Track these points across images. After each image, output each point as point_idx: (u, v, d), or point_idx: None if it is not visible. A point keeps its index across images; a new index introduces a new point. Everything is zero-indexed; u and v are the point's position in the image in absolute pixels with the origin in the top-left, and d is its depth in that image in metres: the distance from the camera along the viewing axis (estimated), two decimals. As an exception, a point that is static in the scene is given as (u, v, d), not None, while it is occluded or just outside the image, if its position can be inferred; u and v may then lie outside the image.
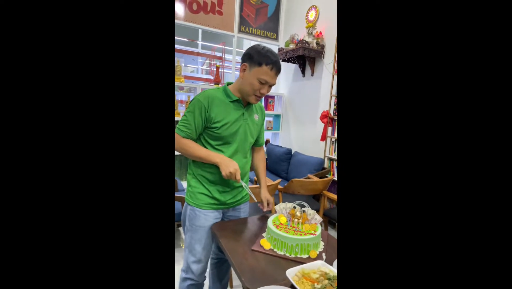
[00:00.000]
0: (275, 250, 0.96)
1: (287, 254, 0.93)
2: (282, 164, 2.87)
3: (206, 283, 1.46)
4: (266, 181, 1.81)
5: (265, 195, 1.24)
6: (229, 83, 1.13)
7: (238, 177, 1.03)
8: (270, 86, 1.06)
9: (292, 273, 0.77)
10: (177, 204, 1.92)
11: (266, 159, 3.31)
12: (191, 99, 1.96)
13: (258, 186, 1.31)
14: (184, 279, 1.14)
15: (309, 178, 2.16)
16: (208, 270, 1.38)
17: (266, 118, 3.69)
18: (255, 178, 1.21)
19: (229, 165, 1.02)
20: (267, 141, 3.64)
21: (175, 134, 1.07)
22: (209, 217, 1.11)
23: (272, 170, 3.03)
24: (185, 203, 1.16)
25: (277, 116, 3.58)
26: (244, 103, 1.11)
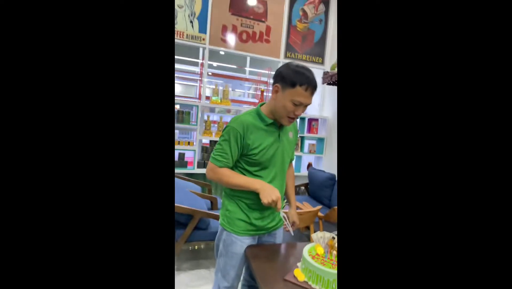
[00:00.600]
0: (309, 282, 0.88)
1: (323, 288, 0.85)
2: (325, 190, 2.73)
3: None
4: (305, 206, 1.73)
5: (294, 214, 1.19)
6: (262, 104, 1.12)
7: (280, 205, 0.99)
8: (306, 106, 1.01)
9: None
10: (215, 222, 1.95)
11: (308, 184, 3.19)
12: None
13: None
14: None
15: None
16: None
17: (309, 142, 3.61)
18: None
19: (271, 193, 0.98)
20: (309, 165, 3.53)
21: (211, 165, 1.05)
22: (245, 244, 1.09)
23: (314, 195, 2.90)
24: (220, 227, 1.15)
25: (320, 140, 3.49)
26: (278, 124, 1.09)
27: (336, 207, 1.70)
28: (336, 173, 2.91)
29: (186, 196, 2.00)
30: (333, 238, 1.00)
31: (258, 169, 1.07)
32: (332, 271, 0.85)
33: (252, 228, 1.09)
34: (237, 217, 1.09)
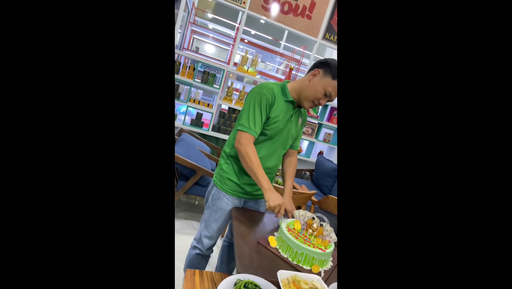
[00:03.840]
0: (280, 250, 0.96)
1: (290, 259, 0.92)
2: (327, 179, 2.76)
3: (214, 262, 1.55)
4: (302, 189, 1.78)
5: (288, 203, 1.18)
6: (287, 82, 1.15)
7: (282, 211, 1.04)
8: (331, 100, 1.07)
9: (283, 275, 0.76)
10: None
11: (313, 170, 3.21)
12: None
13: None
14: (194, 247, 1.24)
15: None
16: (219, 251, 1.46)
17: (326, 130, 3.57)
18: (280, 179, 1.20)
19: (275, 198, 1.01)
20: (321, 153, 3.53)
21: (244, 134, 1.03)
22: (230, 202, 1.17)
23: (316, 182, 2.94)
24: (212, 183, 1.23)
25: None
26: (296, 105, 1.13)
27: (330, 195, 1.74)
28: (344, 166, 2.90)
29: (194, 153, 2.11)
30: (313, 218, 1.05)
31: (264, 138, 1.11)
32: (302, 245, 0.91)
33: (240, 190, 1.16)
34: (228, 177, 1.16)
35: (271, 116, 1.07)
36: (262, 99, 1.04)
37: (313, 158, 3.36)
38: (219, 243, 1.69)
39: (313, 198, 1.79)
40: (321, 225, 1.02)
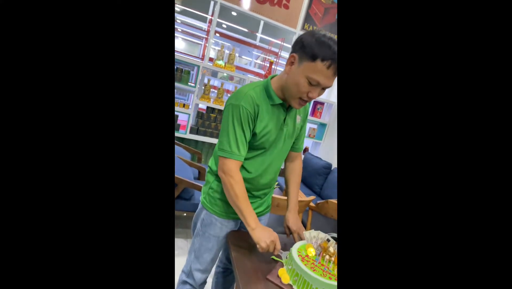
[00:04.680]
0: (294, 287, 0.78)
1: (308, 298, 0.74)
2: (318, 178, 2.63)
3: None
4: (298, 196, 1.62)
5: (293, 221, 1.01)
6: (272, 77, 0.90)
7: (278, 246, 0.85)
8: (324, 89, 0.79)
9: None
10: (199, 194, 1.83)
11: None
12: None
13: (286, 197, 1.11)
14: (183, 282, 1.02)
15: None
16: (212, 278, 1.25)
17: (310, 125, 3.45)
18: (284, 191, 1.05)
19: (265, 236, 0.83)
20: (306, 150, 3.41)
21: (227, 161, 0.83)
22: (225, 227, 0.97)
23: (305, 181, 2.81)
24: (200, 205, 1.01)
25: (322, 125, 3.33)
26: (287, 105, 0.90)
27: (330, 200, 1.60)
28: (332, 162, 2.80)
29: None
30: (328, 240, 0.88)
31: (256, 154, 0.91)
32: (323, 279, 0.74)
33: (233, 211, 0.94)
34: (220, 197, 0.95)
35: (257, 131, 0.85)
36: (241, 114, 0.82)
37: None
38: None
39: (311, 203, 1.64)
40: (339, 248, 0.85)
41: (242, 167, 0.90)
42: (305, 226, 1.75)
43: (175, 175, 1.64)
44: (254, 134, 0.86)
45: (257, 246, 0.83)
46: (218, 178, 0.95)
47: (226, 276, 1.20)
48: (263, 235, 0.83)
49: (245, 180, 0.91)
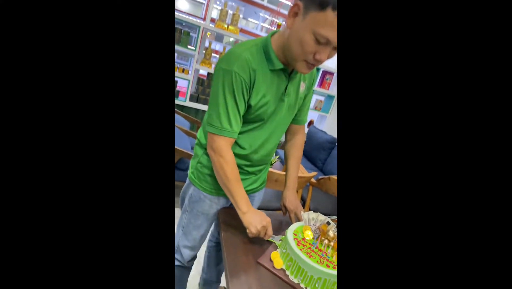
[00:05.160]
0: (287, 272, 0.71)
1: (302, 285, 0.68)
2: (321, 152, 2.53)
3: (198, 266, 1.31)
4: (299, 171, 1.53)
5: (291, 200, 0.92)
6: (273, 34, 0.72)
7: (270, 231, 0.77)
8: (335, 49, 0.62)
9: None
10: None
11: (305, 142, 2.97)
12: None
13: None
14: None
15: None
16: (205, 251, 1.21)
17: (317, 97, 3.26)
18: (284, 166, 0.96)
19: (256, 221, 0.75)
20: (311, 122, 3.27)
21: (217, 138, 0.72)
22: (215, 204, 0.88)
23: (308, 155, 2.71)
24: (187, 180, 0.92)
25: (330, 98, 3.14)
26: (290, 70, 0.74)
27: (332, 176, 1.51)
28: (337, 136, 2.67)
29: (168, 130, 1.76)
30: (328, 223, 0.80)
31: (248, 128, 0.78)
32: (320, 267, 0.66)
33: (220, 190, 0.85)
34: (209, 173, 0.84)
35: (252, 103, 0.72)
36: (234, 82, 0.67)
37: (305, 129, 3.10)
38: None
39: (312, 179, 1.56)
40: (340, 233, 0.77)
41: (235, 142, 0.79)
42: (304, 202, 1.69)
43: (169, 144, 1.55)
44: (249, 106, 0.73)
45: (247, 230, 0.75)
46: (207, 153, 0.85)
47: (218, 251, 1.16)
48: (254, 220, 0.75)
49: (238, 156, 0.81)
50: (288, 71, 0.75)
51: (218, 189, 0.85)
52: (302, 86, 0.83)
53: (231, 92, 0.69)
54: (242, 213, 0.76)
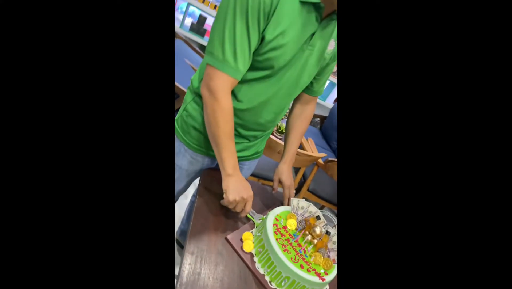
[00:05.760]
0: (255, 260, 0.62)
1: (267, 278, 0.59)
2: (339, 132, 2.34)
3: (179, 218, 1.28)
4: (309, 147, 1.38)
5: (288, 175, 0.82)
6: None
7: (248, 208, 0.67)
8: None
9: None
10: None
11: (325, 118, 2.74)
12: None
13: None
14: None
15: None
16: (188, 203, 1.17)
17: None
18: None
19: (237, 189, 0.64)
20: (337, 99, 3.00)
21: (217, 73, 0.58)
22: (197, 162, 0.78)
23: (325, 132, 2.52)
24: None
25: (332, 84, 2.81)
26: (325, 11, 0.56)
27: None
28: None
29: (180, 69, 1.61)
30: (318, 218, 0.68)
31: (252, 77, 0.63)
32: (291, 266, 0.57)
33: (211, 148, 0.71)
34: (194, 125, 0.72)
35: (268, 36, 0.56)
36: (250, 2, 0.51)
37: (329, 102, 2.84)
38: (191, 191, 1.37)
39: (319, 160, 1.42)
40: (328, 233, 0.65)
41: (231, 91, 0.64)
42: (305, 180, 1.58)
43: (176, 84, 1.42)
44: (262, 40, 0.57)
45: (224, 196, 0.65)
46: (197, 98, 0.71)
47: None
48: (235, 187, 0.64)
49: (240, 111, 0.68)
50: (322, 12, 0.56)
51: (201, 147, 0.74)
52: (332, 45, 0.65)
53: (244, 15, 0.52)
54: (225, 174, 0.66)
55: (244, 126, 0.72)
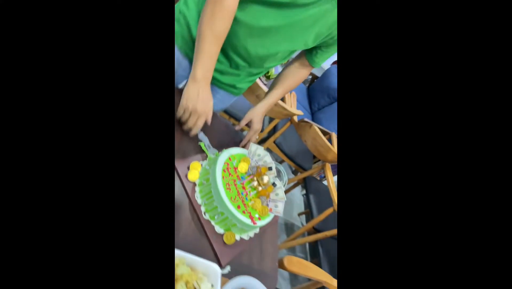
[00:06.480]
0: (196, 189, 0.62)
1: (203, 208, 0.61)
2: (324, 98, 2.29)
3: None
4: (289, 101, 1.34)
5: (260, 119, 0.80)
6: None
7: (200, 123, 0.62)
8: None
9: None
10: None
11: (317, 78, 2.65)
12: None
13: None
14: None
15: (330, 139, 1.69)
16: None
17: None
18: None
19: (197, 99, 0.59)
20: (335, 63, 2.87)
21: None
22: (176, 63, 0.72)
23: (311, 93, 2.47)
24: None
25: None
26: None
27: (315, 125, 1.36)
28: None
29: None
30: (270, 168, 0.69)
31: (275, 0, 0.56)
32: (229, 205, 0.58)
33: (191, 50, 0.64)
34: (186, 15, 0.67)
35: None
36: None
37: (325, 65, 2.71)
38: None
39: (294, 118, 1.40)
40: (274, 185, 0.67)
41: None
42: (274, 132, 1.58)
43: None
44: None
45: (180, 103, 0.61)
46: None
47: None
48: (194, 95, 0.60)
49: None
50: None
51: (183, 45, 0.69)
52: None
53: None
54: (192, 78, 0.60)
55: (232, 44, 0.66)
